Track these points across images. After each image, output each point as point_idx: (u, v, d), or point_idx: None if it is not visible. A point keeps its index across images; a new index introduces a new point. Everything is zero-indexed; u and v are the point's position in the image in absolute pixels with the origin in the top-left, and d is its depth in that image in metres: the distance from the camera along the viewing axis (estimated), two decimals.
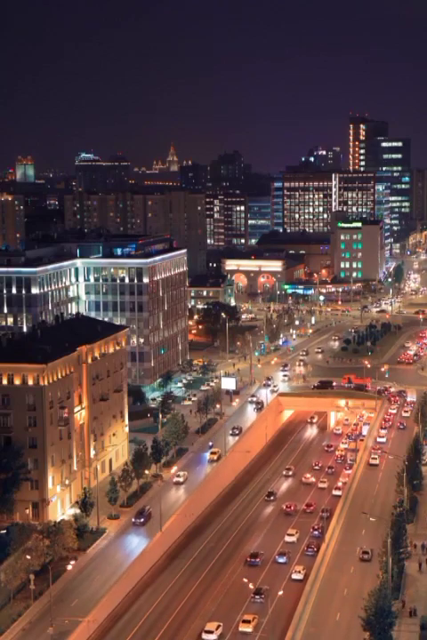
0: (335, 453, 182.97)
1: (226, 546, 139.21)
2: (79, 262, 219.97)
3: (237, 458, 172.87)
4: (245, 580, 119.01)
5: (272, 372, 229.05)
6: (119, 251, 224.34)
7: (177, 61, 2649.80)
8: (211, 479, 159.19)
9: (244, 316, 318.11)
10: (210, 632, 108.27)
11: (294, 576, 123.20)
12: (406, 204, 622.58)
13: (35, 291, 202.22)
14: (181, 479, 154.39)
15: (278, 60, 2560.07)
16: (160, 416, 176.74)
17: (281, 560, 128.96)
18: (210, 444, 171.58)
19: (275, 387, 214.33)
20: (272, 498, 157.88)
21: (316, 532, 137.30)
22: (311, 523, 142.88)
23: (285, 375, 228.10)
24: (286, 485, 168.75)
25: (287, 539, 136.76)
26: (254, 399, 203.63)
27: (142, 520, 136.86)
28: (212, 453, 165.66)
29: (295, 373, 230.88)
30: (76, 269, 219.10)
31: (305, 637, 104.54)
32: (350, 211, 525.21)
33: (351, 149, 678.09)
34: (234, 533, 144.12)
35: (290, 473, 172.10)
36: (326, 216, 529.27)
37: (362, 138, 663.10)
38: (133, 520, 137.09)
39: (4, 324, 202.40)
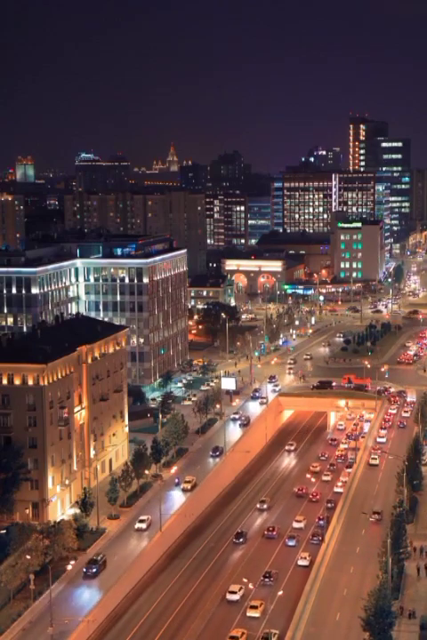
0: (337, 452, 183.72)
1: (226, 546, 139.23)
2: (79, 262, 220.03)
3: (237, 458, 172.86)
4: (245, 579, 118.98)
5: (275, 372, 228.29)
6: (119, 251, 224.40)
7: (177, 61, 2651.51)
8: (211, 479, 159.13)
9: (244, 316, 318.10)
10: (233, 593, 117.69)
11: (300, 562, 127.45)
12: (406, 204, 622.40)
13: (35, 291, 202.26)
14: (144, 525, 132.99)
15: (278, 60, 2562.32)
16: (160, 416, 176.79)
17: (291, 543, 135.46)
18: (176, 480, 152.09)
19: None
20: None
21: (321, 522, 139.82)
22: (317, 511, 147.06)
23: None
24: (296, 470, 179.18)
25: (295, 525, 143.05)
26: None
27: (94, 571, 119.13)
28: (186, 482, 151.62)
29: (285, 382, 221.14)
30: (76, 269, 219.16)
31: (305, 637, 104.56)
32: (350, 211, 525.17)
33: (351, 149, 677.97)
34: (234, 533, 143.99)
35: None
36: (326, 216, 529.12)
37: (362, 138, 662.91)
38: (84, 570, 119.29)
39: (3, 324, 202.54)
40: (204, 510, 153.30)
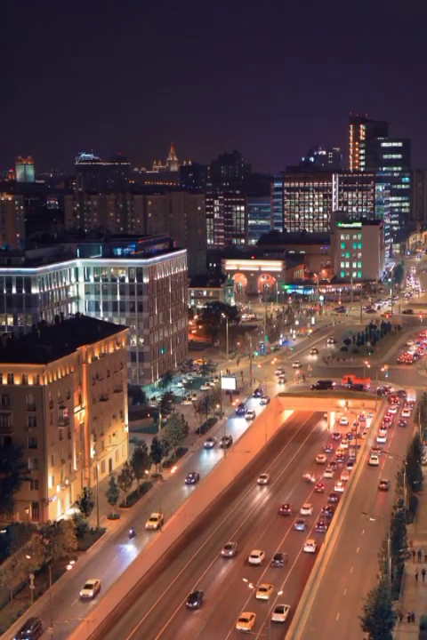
0: (337, 451, 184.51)
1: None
2: (79, 262, 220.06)
3: (237, 458, 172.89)
4: (245, 579, 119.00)
5: (269, 373, 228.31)
6: (119, 251, 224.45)
7: (177, 61, 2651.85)
8: (211, 479, 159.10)
9: (244, 316, 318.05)
10: (255, 557, 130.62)
11: (307, 548, 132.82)
12: (406, 204, 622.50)
13: (35, 291, 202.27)
14: (91, 593, 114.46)
15: (278, 60, 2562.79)
16: (160, 416, 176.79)
17: (299, 528, 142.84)
18: (130, 531, 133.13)
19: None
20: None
21: (326, 512, 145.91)
22: (322, 501, 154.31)
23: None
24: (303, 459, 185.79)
25: (303, 511, 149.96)
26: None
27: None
28: (151, 520, 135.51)
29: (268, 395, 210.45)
30: (76, 269, 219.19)
31: (305, 637, 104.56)
32: (350, 211, 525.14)
33: (351, 149, 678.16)
34: (234, 533, 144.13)
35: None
36: (326, 216, 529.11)
37: (362, 138, 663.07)
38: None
39: (3, 324, 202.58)
40: (204, 510, 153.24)
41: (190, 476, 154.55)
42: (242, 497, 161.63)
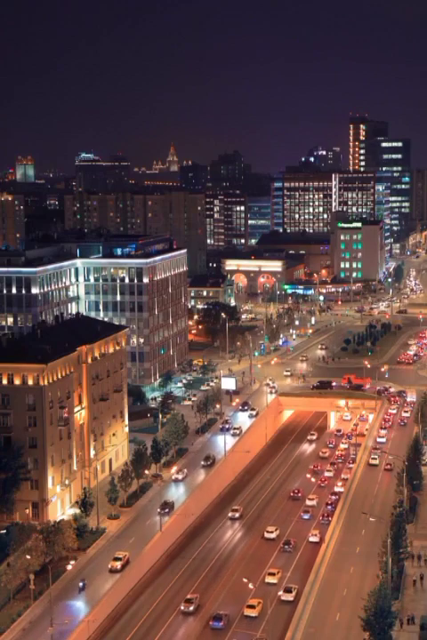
0: (337, 451, 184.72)
1: (226, 545, 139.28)
2: (79, 262, 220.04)
3: (237, 458, 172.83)
4: (245, 579, 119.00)
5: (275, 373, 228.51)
6: (119, 251, 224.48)
7: (177, 61, 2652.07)
8: (211, 479, 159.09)
9: (244, 316, 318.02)
10: (271, 532, 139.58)
11: (311, 539, 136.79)
12: (406, 204, 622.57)
13: (35, 291, 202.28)
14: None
15: (278, 60, 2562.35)
16: (160, 416, 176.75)
17: (306, 517, 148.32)
18: (81, 584, 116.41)
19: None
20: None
21: (329, 507, 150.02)
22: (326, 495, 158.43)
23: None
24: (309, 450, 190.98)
25: (308, 502, 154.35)
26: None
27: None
28: (115, 559, 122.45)
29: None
30: (76, 269, 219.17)
31: (305, 637, 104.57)
32: (350, 211, 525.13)
33: (351, 149, 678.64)
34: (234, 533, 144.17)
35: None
36: (326, 216, 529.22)
37: (362, 138, 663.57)
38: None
39: (3, 324, 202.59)
40: (204, 510, 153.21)
41: (164, 504, 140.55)
42: (242, 497, 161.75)
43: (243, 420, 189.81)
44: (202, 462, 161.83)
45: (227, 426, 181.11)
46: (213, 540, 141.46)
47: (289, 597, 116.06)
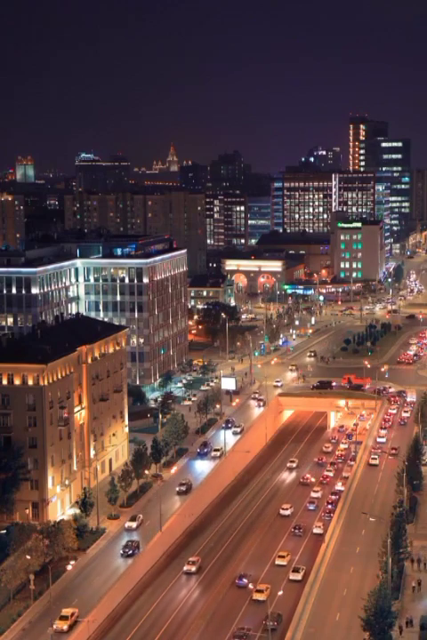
0: (337, 451, 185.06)
1: (226, 545, 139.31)
2: (79, 262, 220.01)
3: (237, 458, 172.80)
4: (245, 580, 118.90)
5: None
6: (119, 251, 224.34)
7: (177, 61, 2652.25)
8: (211, 479, 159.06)
9: (244, 316, 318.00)
10: (285, 509, 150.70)
11: (315, 530, 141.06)
12: (406, 204, 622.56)
13: (35, 291, 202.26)
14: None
15: (279, 60, 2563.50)
16: (160, 416, 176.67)
17: (311, 507, 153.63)
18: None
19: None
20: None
21: (330, 506, 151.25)
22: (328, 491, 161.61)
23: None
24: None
25: (313, 494, 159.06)
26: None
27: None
28: (61, 618, 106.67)
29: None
30: (76, 269, 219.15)
31: (305, 637, 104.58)
32: (350, 211, 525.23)
33: (351, 149, 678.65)
34: (234, 533, 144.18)
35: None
36: (326, 216, 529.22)
37: (362, 138, 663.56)
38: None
39: (3, 324, 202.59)
40: (204, 510, 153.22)
41: (128, 546, 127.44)
42: (242, 496, 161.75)
43: (227, 439, 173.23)
44: (177, 488, 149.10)
45: (206, 449, 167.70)
46: (213, 539, 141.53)
47: (297, 577, 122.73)
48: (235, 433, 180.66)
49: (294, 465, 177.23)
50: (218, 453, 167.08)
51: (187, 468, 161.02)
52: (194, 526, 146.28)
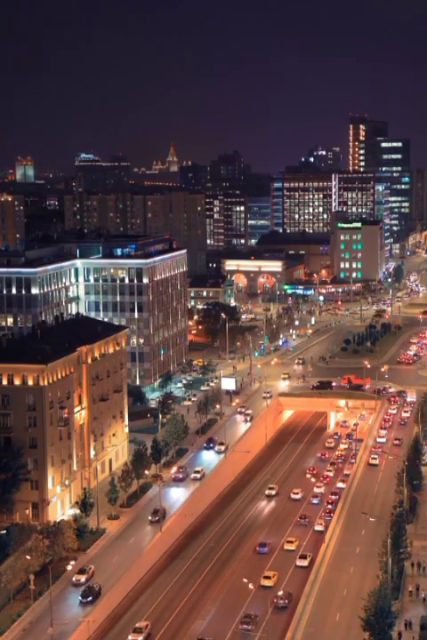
0: (337, 451, 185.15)
1: (226, 546, 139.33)
2: (79, 262, 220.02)
3: (237, 458, 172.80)
4: (245, 580, 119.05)
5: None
6: (119, 251, 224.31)
7: (177, 62, 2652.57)
8: (211, 479, 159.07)
9: (244, 316, 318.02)
10: (296, 493, 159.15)
11: (317, 528, 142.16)
12: (406, 204, 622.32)
13: (35, 291, 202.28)
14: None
15: (278, 60, 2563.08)
16: (160, 416, 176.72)
17: (315, 501, 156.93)
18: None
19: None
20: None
21: (330, 506, 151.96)
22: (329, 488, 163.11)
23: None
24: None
25: (316, 490, 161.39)
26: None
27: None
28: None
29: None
30: (76, 270, 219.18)
31: (305, 637, 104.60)
32: (349, 211, 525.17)
33: (351, 150, 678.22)
34: (234, 533, 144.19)
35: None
36: (325, 216, 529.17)
37: (362, 138, 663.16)
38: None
39: (3, 324, 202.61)
40: (204, 510, 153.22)
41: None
42: (242, 496, 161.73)
43: (208, 459, 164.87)
44: (149, 517, 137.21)
45: (180, 476, 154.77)
46: (213, 540, 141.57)
47: (304, 563, 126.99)
48: (218, 452, 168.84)
49: (274, 492, 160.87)
50: (198, 475, 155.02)
51: (162, 494, 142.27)
52: (194, 526, 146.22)
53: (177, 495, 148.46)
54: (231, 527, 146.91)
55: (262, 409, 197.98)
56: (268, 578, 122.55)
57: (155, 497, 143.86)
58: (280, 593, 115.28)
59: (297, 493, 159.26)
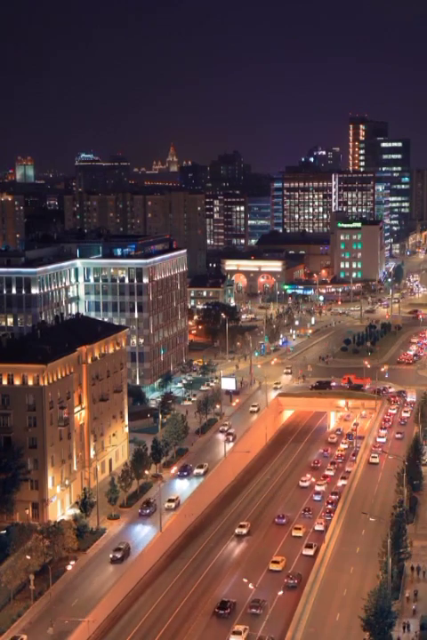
0: (337, 451, 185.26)
1: (226, 546, 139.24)
2: (79, 262, 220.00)
3: (237, 458, 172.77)
4: (245, 580, 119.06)
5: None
6: (119, 251, 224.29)
7: (177, 61, 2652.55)
8: (210, 479, 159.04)
9: (244, 316, 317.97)
10: (304, 481, 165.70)
11: (317, 527, 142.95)
12: (406, 204, 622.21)
13: (35, 291, 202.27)
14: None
15: (279, 61, 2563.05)
16: (160, 416, 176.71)
17: (317, 498, 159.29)
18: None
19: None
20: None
21: (330, 506, 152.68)
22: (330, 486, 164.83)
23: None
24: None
25: (317, 488, 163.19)
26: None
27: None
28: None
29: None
30: (76, 270, 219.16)
31: (305, 637, 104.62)
32: (349, 211, 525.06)
33: (351, 149, 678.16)
34: (234, 533, 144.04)
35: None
36: (325, 216, 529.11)
37: (362, 138, 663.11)
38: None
39: (3, 324, 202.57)
40: (204, 510, 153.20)
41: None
42: (242, 497, 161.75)
43: (180, 489, 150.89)
44: (111, 555, 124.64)
45: (148, 510, 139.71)
46: (213, 539, 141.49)
47: (310, 552, 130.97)
48: (198, 476, 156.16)
49: (244, 531, 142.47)
50: (172, 505, 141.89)
51: (127, 530, 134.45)
52: (194, 526, 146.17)
53: (143, 532, 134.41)
54: (231, 527, 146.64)
55: (251, 424, 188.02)
56: (276, 562, 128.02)
57: (155, 495, 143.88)
58: (290, 573, 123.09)
59: (306, 481, 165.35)
